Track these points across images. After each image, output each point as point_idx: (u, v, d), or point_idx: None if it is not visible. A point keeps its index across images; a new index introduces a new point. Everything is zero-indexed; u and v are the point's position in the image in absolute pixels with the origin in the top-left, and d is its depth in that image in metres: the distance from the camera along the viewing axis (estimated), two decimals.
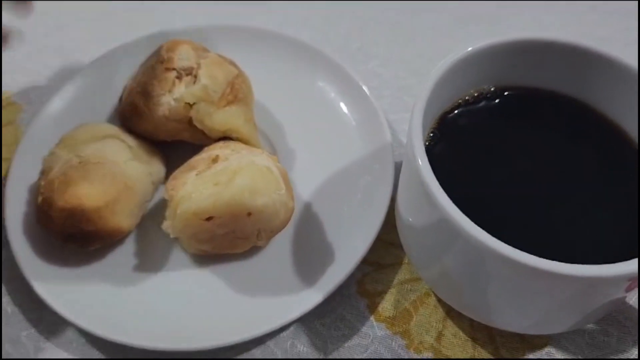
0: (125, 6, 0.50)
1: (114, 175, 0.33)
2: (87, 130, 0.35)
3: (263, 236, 0.33)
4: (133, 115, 0.36)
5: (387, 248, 0.35)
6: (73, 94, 0.40)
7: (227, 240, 0.33)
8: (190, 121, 0.35)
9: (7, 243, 0.34)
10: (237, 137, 0.35)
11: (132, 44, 0.42)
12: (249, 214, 0.31)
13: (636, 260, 0.24)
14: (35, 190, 0.36)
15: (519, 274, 0.25)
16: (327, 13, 0.49)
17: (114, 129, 0.36)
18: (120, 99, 0.38)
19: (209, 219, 0.31)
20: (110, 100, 0.40)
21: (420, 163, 0.26)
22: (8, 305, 0.34)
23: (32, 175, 0.36)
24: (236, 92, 0.36)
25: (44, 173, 0.34)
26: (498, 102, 0.32)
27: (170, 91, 0.34)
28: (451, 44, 0.46)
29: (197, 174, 0.32)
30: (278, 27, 0.47)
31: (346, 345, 0.33)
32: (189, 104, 0.35)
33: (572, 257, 0.24)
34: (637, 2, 0.50)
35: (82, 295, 0.33)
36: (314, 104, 0.40)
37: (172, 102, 0.34)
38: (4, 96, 0.44)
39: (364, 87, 0.39)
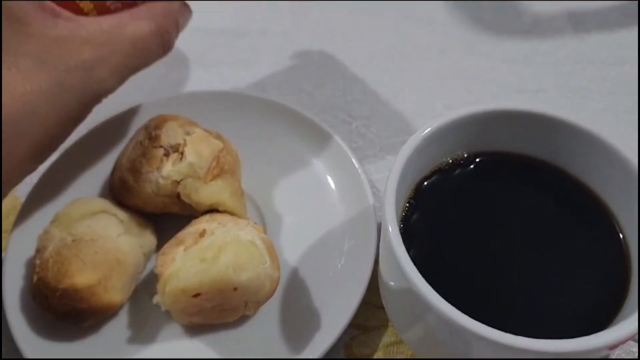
0: None
1: (106, 252, 0.34)
2: (79, 207, 0.37)
3: (250, 307, 0.34)
4: (123, 190, 0.37)
5: (372, 310, 0.36)
6: (66, 166, 0.42)
7: (215, 312, 0.34)
8: (178, 196, 0.36)
9: (5, 319, 0.35)
10: (224, 210, 0.37)
11: (121, 115, 0.43)
12: (235, 288, 0.33)
13: (612, 330, 0.25)
14: (31, 267, 0.37)
15: (491, 350, 0.26)
16: (312, 75, 0.50)
17: (106, 204, 0.37)
18: (112, 173, 0.40)
19: (196, 295, 0.32)
20: (102, 173, 0.42)
21: (392, 236, 0.27)
22: None
23: (29, 251, 0.37)
24: (222, 165, 0.37)
25: (39, 251, 0.35)
26: (472, 168, 0.33)
27: (158, 168, 0.36)
28: (433, 100, 0.48)
29: (184, 249, 0.34)
30: (262, 90, 0.48)
31: None
32: (176, 181, 0.36)
33: (550, 330, 0.25)
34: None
35: None
36: (300, 169, 0.42)
37: (160, 180, 0.36)
38: None
39: (347, 150, 0.41)
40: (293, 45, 0.52)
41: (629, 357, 0.33)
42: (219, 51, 0.52)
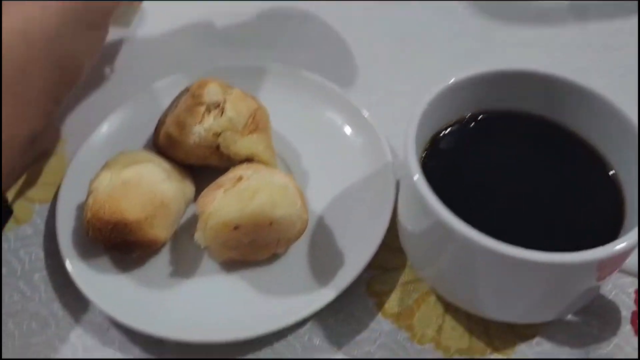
0: (157, 48, 0.56)
1: (152, 194, 0.38)
2: (127, 157, 0.41)
3: (282, 244, 0.38)
4: (168, 144, 0.41)
5: (392, 253, 0.39)
6: (112, 128, 0.46)
7: (251, 248, 0.38)
8: (217, 147, 0.40)
9: (58, 253, 0.39)
10: (258, 161, 0.41)
11: (164, 82, 0.48)
12: (270, 223, 0.36)
13: (599, 248, 0.29)
14: (81, 208, 0.41)
15: (500, 263, 0.29)
16: (335, 52, 0.55)
17: (151, 155, 0.41)
18: (156, 130, 0.43)
19: (236, 228, 0.36)
20: (145, 132, 0.46)
21: (414, 175, 0.31)
22: (58, 310, 0.39)
23: (78, 196, 0.41)
24: (257, 122, 0.41)
25: (91, 193, 0.39)
26: (479, 124, 0.37)
27: (200, 122, 0.40)
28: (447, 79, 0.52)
29: (224, 192, 0.37)
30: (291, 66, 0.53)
31: (356, 338, 0.37)
32: (216, 133, 0.40)
33: (550, 249, 0.28)
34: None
35: (124, 297, 0.37)
36: (324, 131, 0.46)
37: (202, 132, 0.40)
38: None
39: (367, 116, 0.45)
40: (313, 27, 0.57)
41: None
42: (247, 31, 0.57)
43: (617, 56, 0.53)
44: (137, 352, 0.37)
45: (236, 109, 0.41)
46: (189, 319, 0.36)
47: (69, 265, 0.38)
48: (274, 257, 0.39)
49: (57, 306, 0.39)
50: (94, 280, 0.38)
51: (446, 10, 0.58)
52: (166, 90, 0.47)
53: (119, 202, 0.37)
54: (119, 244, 0.37)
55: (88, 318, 0.38)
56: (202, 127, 0.40)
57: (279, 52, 0.55)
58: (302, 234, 0.39)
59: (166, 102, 0.45)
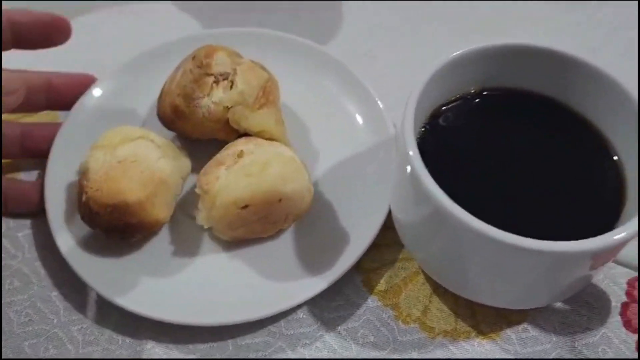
0: (157, 8, 0.54)
1: (151, 172, 0.37)
2: (118, 133, 0.38)
3: (289, 219, 0.37)
4: (174, 116, 0.39)
5: (384, 230, 0.38)
6: (103, 97, 0.44)
7: (258, 225, 0.37)
8: (226, 122, 0.38)
9: (50, 236, 0.37)
10: (269, 137, 0.39)
11: (163, 47, 0.46)
12: (280, 200, 0.35)
13: (596, 238, 0.28)
14: (72, 189, 0.39)
15: (491, 248, 0.28)
16: (339, 22, 0.53)
17: (142, 131, 0.39)
18: (160, 100, 0.41)
19: (245, 207, 0.35)
20: (142, 101, 0.44)
21: (409, 151, 0.30)
22: (57, 299, 0.37)
23: (68, 176, 0.40)
24: (267, 95, 0.39)
25: (84, 173, 0.37)
26: (481, 101, 0.36)
27: (208, 94, 0.38)
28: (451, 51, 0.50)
29: (226, 168, 0.36)
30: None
31: (342, 314, 0.36)
32: (227, 107, 0.38)
33: (545, 237, 0.27)
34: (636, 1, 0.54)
35: (123, 281, 0.36)
36: (327, 103, 0.44)
37: (211, 105, 0.38)
38: None
39: (370, 89, 0.44)
40: None
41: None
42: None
43: (630, 36, 0.51)
44: (116, 315, 0.36)
45: (247, 81, 0.38)
46: (187, 302, 0.36)
47: (63, 250, 0.37)
48: (278, 233, 0.38)
49: (55, 295, 0.38)
50: (92, 265, 0.37)
51: None
52: (165, 55, 0.44)
53: (118, 183, 0.35)
54: (119, 227, 0.36)
55: (69, 278, 0.37)
56: (211, 100, 0.38)
57: (279, 18, 0.53)
58: (309, 207, 0.38)
59: (163, 69, 0.42)
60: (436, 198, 0.28)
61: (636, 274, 0.37)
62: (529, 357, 0.35)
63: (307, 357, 0.35)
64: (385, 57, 0.50)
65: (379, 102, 0.43)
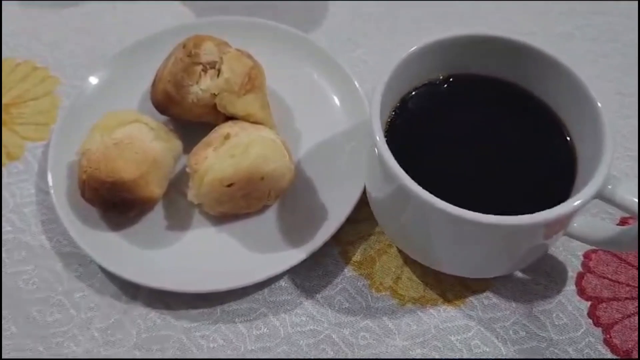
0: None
1: (144, 152, 0.40)
2: (114, 117, 0.42)
3: (272, 195, 0.41)
4: (167, 101, 0.42)
5: (360, 206, 0.41)
6: (102, 82, 0.47)
7: (244, 200, 0.40)
8: (214, 107, 0.42)
9: (54, 212, 0.41)
10: (254, 121, 0.42)
11: (157, 36, 0.49)
12: (262, 178, 0.39)
13: (544, 212, 0.30)
14: (73, 168, 0.42)
15: (451, 223, 0.31)
16: (324, 11, 0.55)
17: (136, 115, 0.42)
18: (154, 86, 0.44)
19: (229, 185, 0.38)
20: (137, 86, 0.47)
21: (376, 136, 0.33)
22: (61, 270, 0.41)
23: (68, 157, 0.43)
24: (253, 81, 0.42)
25: (84, 154, 0.40)
26: (448, 86, 0.38)
27: (197, 82, 0.41)
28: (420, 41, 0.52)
29: (214, 149, 0.39)
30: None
31: (320, 283, 0.40)
32: (214, 93, 0.41)
33: (503, 212, 0.30)
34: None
35: (121, 253, 0.40)
36: (310, 88, 0.48)
37: (200, 92, 0.41)
38: (44, 71, 0.51)
39: (350, 74, 0.46)
40: None
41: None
42: None
43: (602, 22, 0.53)
44: (115, 284, 0.40)
45: (232, 69, 0.42)
46: (181, 271, 0.39)
47: (66, 224, 0.40)
48: (263, 209, 0.42)
49: (59, 268, 0.41)
50: (94, 239, 0.40)
51: None
52: (159, 43, 0.48)
53: (115, 162, 0.39)
54: (117, 203, 0.39)
55: (72, 251, 0.41)
56: (199, 88, 0.41)
57: (267, 6, 0.55)
58: (290, 184, 0.41)
59: (156, 56, 0.45)
60: (399, 178, 0.31)
61: (592, 247, 0.40)
62: (522, 351, 0.38)
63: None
64: (366, 44, 0.53)
65: (357, 87, 0.45)
